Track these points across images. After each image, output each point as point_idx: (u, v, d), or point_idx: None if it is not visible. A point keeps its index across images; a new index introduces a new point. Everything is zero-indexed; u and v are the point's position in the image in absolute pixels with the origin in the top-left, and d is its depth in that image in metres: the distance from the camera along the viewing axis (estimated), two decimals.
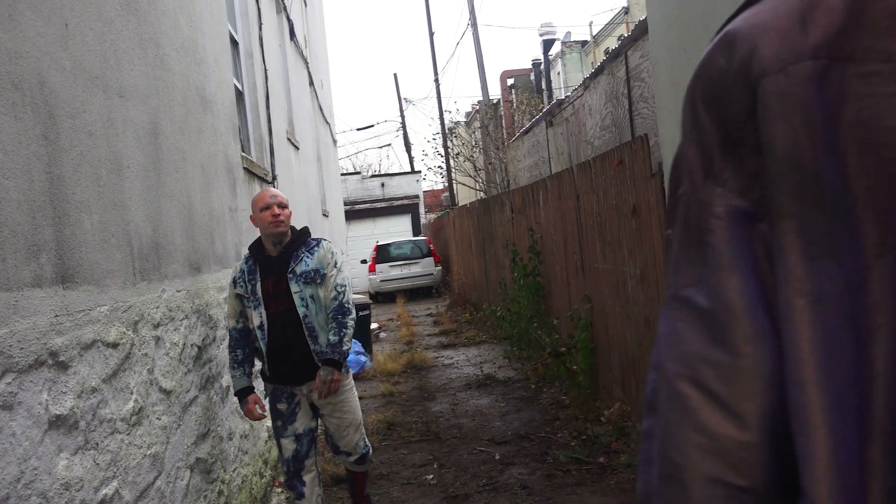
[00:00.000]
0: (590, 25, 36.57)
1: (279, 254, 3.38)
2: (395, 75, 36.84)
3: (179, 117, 3.43)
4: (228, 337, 3.42)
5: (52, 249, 1.89)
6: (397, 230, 22.90)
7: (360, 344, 8.00)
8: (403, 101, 32.06)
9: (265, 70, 6.50)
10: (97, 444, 2.03)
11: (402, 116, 32.15)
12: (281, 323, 3.30)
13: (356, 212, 22.56)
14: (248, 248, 3.48)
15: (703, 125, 0.73)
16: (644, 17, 5.05)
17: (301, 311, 3.30)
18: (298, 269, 3.35)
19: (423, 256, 17.62)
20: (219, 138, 4.27)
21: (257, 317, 3.30)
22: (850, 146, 0.64)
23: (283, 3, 8.99)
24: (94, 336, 2.07)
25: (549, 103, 18.55)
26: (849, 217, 0.63)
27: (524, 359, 7.39)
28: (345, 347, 3.34)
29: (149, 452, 2.41)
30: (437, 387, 7.18)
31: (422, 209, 24.85)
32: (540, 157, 8.21)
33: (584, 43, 36.78)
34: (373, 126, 42.21)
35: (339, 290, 3.40)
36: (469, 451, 5.10)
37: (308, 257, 3.39)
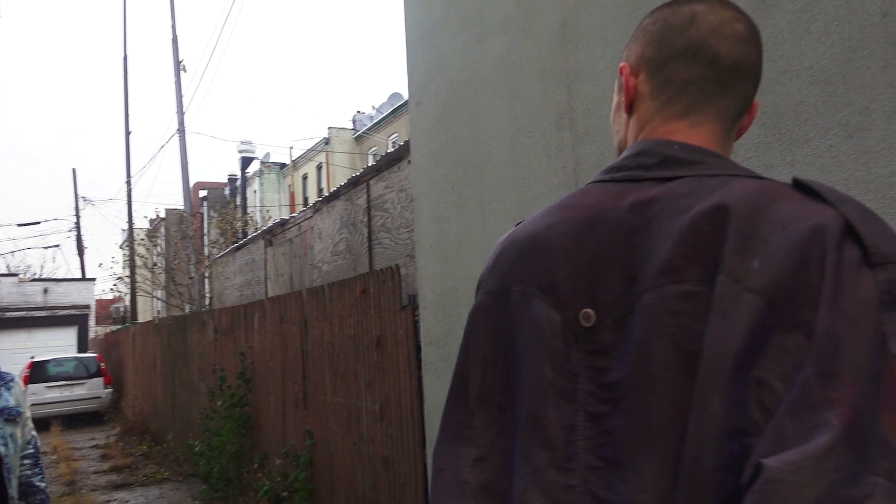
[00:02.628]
0: (290, 150, 37.47)
1: None
2: (73, 171, 33.27)
3: None
4: None
5: None
6: (60, 344, 19.83)
7: None
8: (82, 200, 29.00)
9: None
10: None
11: (78, 216, 29.03)
12: None
13: (7, 320, 19.18)
14: None
15: None
16: (390, 149, 5.18)
17: (2, 449, 2.98)
18: (0, 405, 3.03)
19: (91, 376, 15.38)
20: None
21: None
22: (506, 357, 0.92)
23: None
24: None
25: (242, 220, 18.11)
26: (489, 408, 0.91)
27: (222, 501, 6.54)
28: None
29: None
30: None
31: (92, 321, 22.03)
32: (254, 277, 7.76)
33: (282, 165, 37.40)
34: (38, 223, 37.01)
35: (33, 431, 3.23)
36: None
37: (6, 392, 3.09)
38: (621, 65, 0.98)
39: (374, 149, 31.74)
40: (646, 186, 0.84)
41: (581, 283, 0.84)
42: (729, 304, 0.71)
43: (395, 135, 29.68)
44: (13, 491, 3.01)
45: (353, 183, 5.32)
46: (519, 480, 0.85)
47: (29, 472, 3.17)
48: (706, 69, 0.89)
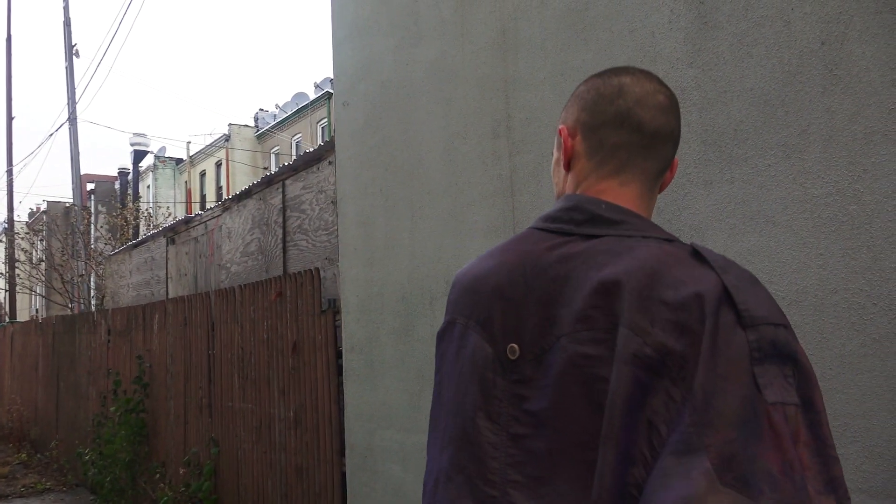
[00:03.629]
0: (187, 145, 35.99)
1: None
2: None
3: None
4: None
5: None
6: None
7: None
8: None
9: None
10: None
11: None
12: None
13: None
14: None
15: None
16: (294, 150, 5.04)
17: None
18: None
19: None
20: None
21: None
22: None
23: None
24: None
25: (135, 217, 17.27)
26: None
27: None
28: None
29: None
30: None
31: None
32: (154, 276, 7.37)
33: (179, 160, 35.88)
34: None
35: None
36: None
37: None
38: (560, 126, 1.11)
39: (276, 148, 30.99)
40: (574, 241, 0.97)
41: (510, 321, 0.98)
42: (630, 354, 0.84)
43: (299, 135, 29.09)
44: None
45: (268, 182, 5.15)
46: (453, 489, 0.98)
47: None
48: (632, 134, 1.03)
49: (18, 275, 16.21)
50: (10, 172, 17.06)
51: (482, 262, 1.07)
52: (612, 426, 0.83)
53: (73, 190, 13.56)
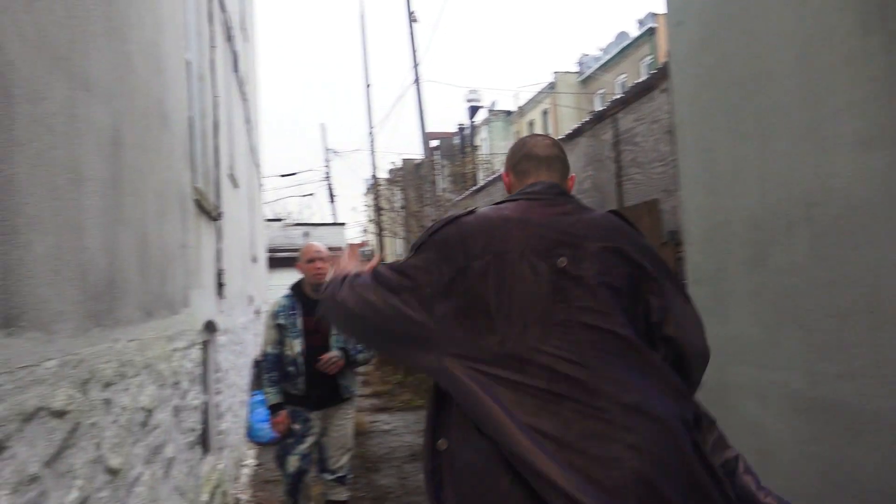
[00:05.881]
0: (515, 96, 37.37)
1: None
2: (322, 125, 36.39)
3: (140, 129, 2.86)
4: (265, 361, 4.04)
5: None
6: None
7: None
8: (330, 153, 31.59)
9: (214, 97, 5.92)
10: None
11: (328, 167, 31.72)
12: (317, 354, 3.91)
13: (277, 259, 21.60)
14: (290, 288, 4.22)
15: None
16: (617, 91, 4.90)
17: (336, 350, 3.93)
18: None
19: None
20: (174, 163, 3.68)
21: (298, 345, 3.96)
22: None
23: (230, 32, 8.44)
24: (38, 402, 1.48)
25: (474, 166, 18.48)
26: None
27: None
28: (361, 356, 4.06)
29: None
30: (378, 456, 6.55)
31: None
32: None
33: (508, 112, 37.60)
34: (296, 174, 40.81)
35: None
36: None
37: None
38: (502, 173, 1.99)
39: (601, 90, 30.70)
40: (560, 202, 1.73)
41: (549, 246, 1.61)
42: (630, 261, 1.65)
43: (624, 75, 28.39)
44: (344, 381, 4.04)
45: (598, 118, 5.11)
46: None
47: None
48: (532, 160, 1.85)
49: (384, 221, 18.65)
50: (371, 134, 19.55)
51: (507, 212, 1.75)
52: (620, 298, 1.60)
53: (422, 144, 15.04)
